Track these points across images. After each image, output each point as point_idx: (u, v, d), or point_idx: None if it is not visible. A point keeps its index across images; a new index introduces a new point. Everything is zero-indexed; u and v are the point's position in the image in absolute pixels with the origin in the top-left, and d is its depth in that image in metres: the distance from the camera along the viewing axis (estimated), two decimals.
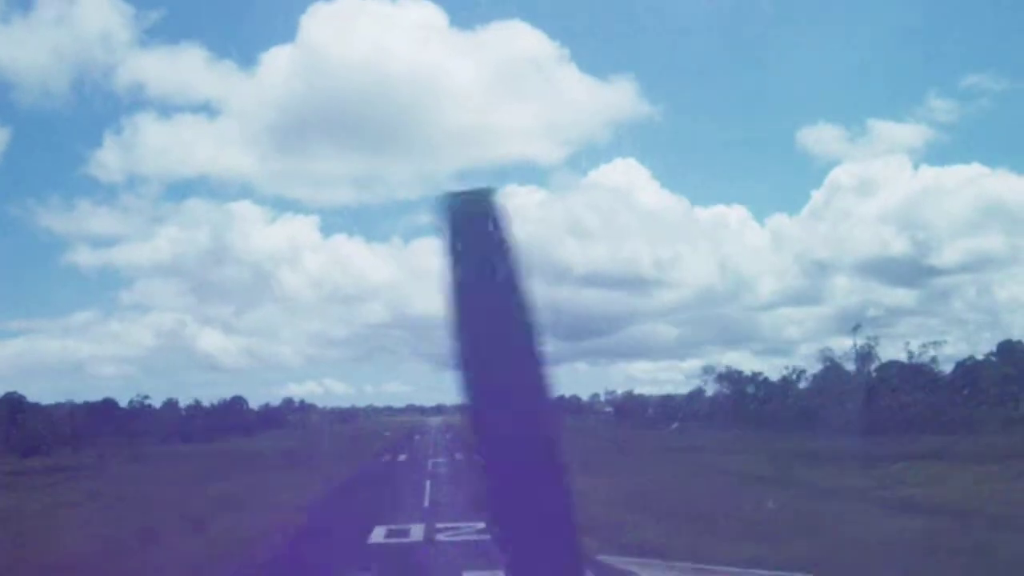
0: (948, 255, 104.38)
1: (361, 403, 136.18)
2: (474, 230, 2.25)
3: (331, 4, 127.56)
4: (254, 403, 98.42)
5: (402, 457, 44.62)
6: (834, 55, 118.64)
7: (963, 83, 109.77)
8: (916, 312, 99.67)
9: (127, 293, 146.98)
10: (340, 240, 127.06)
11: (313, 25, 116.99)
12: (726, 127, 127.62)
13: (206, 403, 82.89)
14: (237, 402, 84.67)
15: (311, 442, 57.83)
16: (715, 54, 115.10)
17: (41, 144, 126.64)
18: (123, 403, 72.55)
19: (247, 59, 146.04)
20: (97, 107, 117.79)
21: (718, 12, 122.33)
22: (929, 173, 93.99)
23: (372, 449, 51.62)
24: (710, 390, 70.44)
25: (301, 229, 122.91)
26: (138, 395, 73.50)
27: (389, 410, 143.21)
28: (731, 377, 67.88)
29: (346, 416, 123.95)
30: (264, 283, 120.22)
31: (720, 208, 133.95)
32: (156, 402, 75.46)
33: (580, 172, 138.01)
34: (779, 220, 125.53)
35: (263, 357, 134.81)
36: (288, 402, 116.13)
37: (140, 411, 70.95)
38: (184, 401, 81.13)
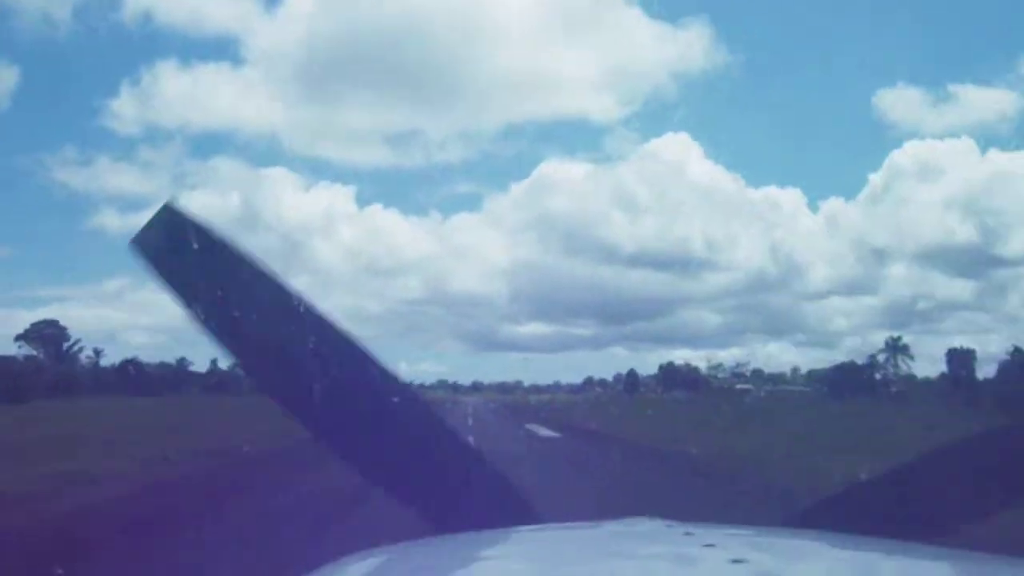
0: (1015, 245, 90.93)
1: None
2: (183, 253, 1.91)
3: None
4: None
5: None
6: (928, 7, 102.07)
7: None
8: (969, 306, 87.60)
9: None
10: (376, 210, 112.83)
11: None
12: (801, 84, 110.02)
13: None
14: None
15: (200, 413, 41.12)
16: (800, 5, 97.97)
17: (50, 88, 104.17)
18: None
19: None
20: (105, 42, 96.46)
21: None
22: (1002, 157, 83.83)
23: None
24: None
25: (336, 198, 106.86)
26: None
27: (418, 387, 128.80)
28: None
29: None
30: (295, 254, 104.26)
31: (772, 190, 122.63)
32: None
33: (636, 135, 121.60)
34: (834, 204, 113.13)
35: None
36: None
37: None
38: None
